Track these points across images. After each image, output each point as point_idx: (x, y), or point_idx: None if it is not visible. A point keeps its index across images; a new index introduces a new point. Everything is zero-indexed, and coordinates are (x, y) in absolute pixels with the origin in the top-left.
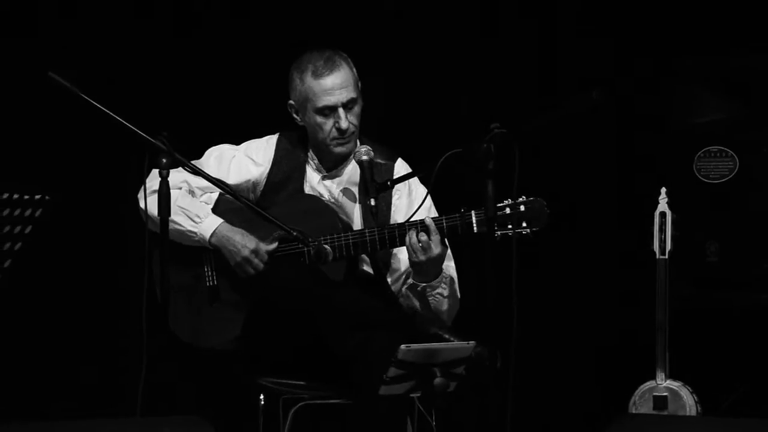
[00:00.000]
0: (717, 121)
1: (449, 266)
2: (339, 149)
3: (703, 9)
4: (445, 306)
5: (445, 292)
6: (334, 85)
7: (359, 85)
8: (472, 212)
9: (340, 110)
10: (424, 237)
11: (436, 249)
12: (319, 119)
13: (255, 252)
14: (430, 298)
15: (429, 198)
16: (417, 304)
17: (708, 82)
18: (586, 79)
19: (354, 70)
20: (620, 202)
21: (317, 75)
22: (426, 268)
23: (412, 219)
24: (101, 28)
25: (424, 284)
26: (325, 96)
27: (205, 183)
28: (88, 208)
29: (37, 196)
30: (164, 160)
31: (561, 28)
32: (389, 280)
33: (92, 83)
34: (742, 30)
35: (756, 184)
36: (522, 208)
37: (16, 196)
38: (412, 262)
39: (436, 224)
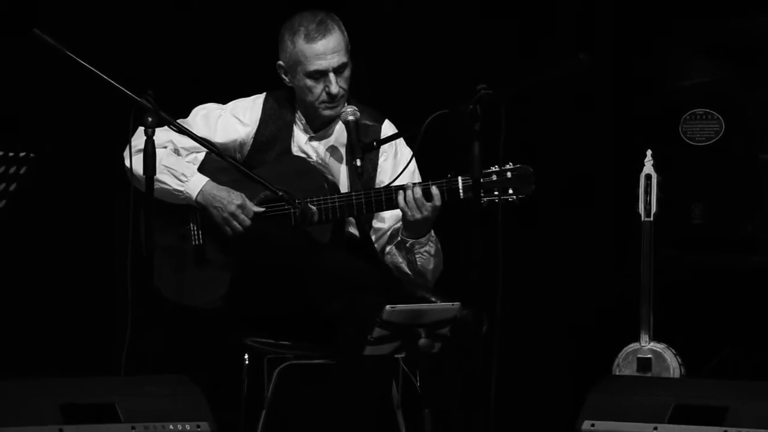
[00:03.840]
0: (703, 84)
1: None
2: (327, 112)
3: None
4: (431, 264)
5: (432, 250)
6: (326, 49)
7: (350, 48)
8: (459, 178)
9: (331, 75)
10: (419, 195)
11: (432, 212)
12: (310, 83)
13: (241, 207)
14: (417, 256)
15: (414, 161)
16: (402, 261)
17: (695, 45)
18: (576, 42)
19: (345, 33)
20: (605, 163)
21: (309, 39)
22: (419, 226)
23: (396, 181)
24: None
25: (413, 240)
26: (316, 60)
27: (190, 143)
28: (74, 166)
29: (22, 154)
30: (150, 119)
31: None
32: (372, 238)
33: (78, 41)
34: None
35: (741, 147)
36: (508, 174)
37: (0, 153)
38: (405, 221)
39: (422, 189)
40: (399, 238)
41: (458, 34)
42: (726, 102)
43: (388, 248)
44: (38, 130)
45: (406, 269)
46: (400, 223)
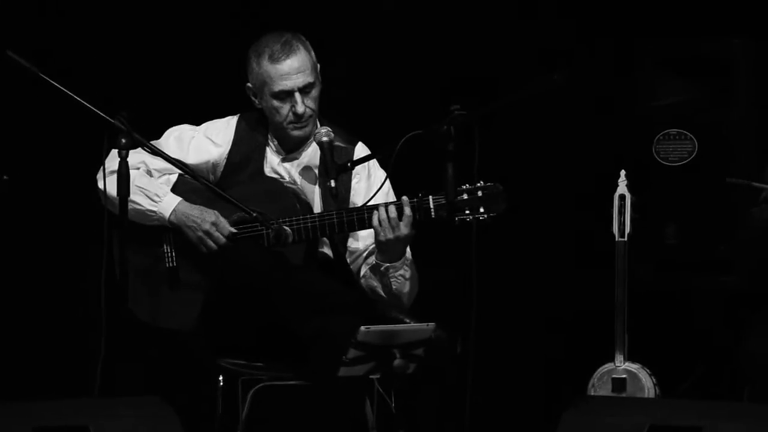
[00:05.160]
0: (676, 104)
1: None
2: (296, 133)
3: None
4: (406, 288)
5: (407, 274)
6: (291, 69)
7: (318, 68)
8: (430, 197)
9: (297, 95)
10: (394, 214)
11: (405, 229)
12: (276, 103)
13: (215, 225)
14: (392, 280)
15: (388, 182)
16: (378, 285)
17: (668, 65)
18: (547, 61)
19: (312, 53)
20: (580, 184)
21: (274, 59)
22: (392, 248)
23: (370, 203)
24: (62, 6)
25: (388, 264)
26: (281, 80)
27: (162, 165)
28: (47, 189)
29: None
30: (123, 140)
31: (523, 7)
32: (348, 260)
33: (51, 63)
34: (705, 14)
35: (715, 167)
36: (479, 193)
37: None
38: (378, 241)
39: (395, 207)
40: (374, 262)
41: (431, 54)
42: (699, 122)
43: (363, 271)
44: (10, 152)
45: (381, 292)
46: (375, 245)
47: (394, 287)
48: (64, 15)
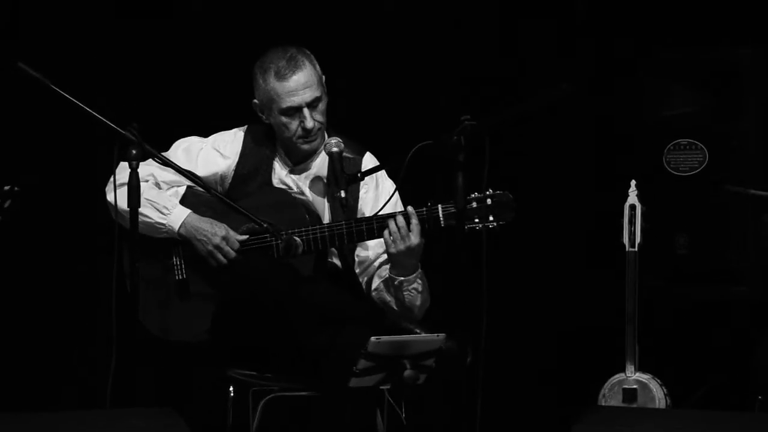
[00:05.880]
0: (687, 114)
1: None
2: (305, 146)
3: (674, 1)
4: (418, 301)
5: (420, 287)
6: (297, 85)
7: (323, 80)
8: (439, 206)
9: (305, 110)
10: (403, 224)
11: (414, 239)
12: (285, 119)
13: (225, 239)
14: (405, 293)
15: (396, 193)
16: (391, 299)
17: (677, 75)
18: (556, 72)
19: (317, 66)
20: (590, 194)
21: (280, 76)
22: (403, 260)
23: (379, 213)
24: (72, 19)
25: (402, 279)
26: (289, 97)
27: (171, 177)
28: (58, 200)
29: (6, 187)
30: (134, 152)
31: (529, 18)
32: (357, 270)
33: (61, 74)
34: (715, 24)
35: (725, 177)
36: (489, 201)
37: None
38: (389, 254)
39: (403, 216)
40: (387, 276)
41: (440, 65)
42: (709, 132)
43: (375, 284)
44: (21, 164)
45: (394, 306)
46: (385, 255)
47: (406, 300)
48: (74, 27)
